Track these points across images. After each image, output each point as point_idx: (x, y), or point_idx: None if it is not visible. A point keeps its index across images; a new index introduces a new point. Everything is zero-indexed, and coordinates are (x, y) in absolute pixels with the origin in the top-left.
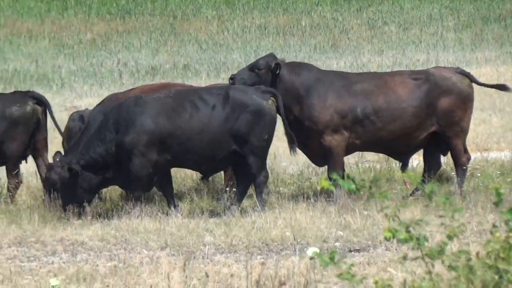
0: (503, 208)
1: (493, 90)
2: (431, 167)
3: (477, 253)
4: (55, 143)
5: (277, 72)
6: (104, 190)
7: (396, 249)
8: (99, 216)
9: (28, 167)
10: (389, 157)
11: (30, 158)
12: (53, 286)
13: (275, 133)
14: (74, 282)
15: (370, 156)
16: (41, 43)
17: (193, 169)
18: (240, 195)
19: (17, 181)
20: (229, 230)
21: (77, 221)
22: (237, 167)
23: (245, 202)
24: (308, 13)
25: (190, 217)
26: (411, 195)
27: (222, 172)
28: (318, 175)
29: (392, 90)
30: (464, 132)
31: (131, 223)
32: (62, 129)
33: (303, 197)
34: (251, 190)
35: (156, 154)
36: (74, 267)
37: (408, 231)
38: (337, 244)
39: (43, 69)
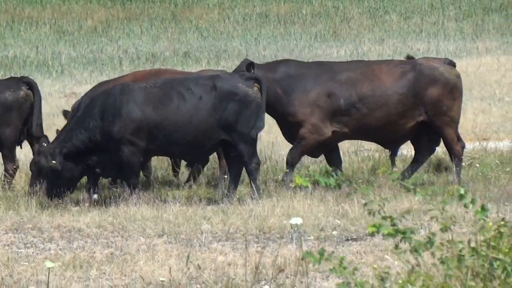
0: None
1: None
2: (422, 155)
3: (469, 241)
4: (53, 130)
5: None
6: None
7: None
8: (96, 203)
9: (26, 153)
10: (379, 145)
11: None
12: (49, 267)
13: (273, 121)
14: (71, 269)
15: (369, 145)
16: (42, 30)
17: (178, 158)
18: (234, 182)
19: (14, 166)
20: (227, 218)
21: (74, 208)
22: (228, 154)
23: (243, 190)
24: (309, 1)
25: (188, 205)
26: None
27: (217, 160)
28: (316, 163)
29: (378, 78)
30: (454, 121)
31: (129, 210)
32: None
33: (301, 186)
34: (247, 178)
35: (145, 141)
36: (70, 253)
37: (393, 225)
38: (334, 232)
39: (43, 55)
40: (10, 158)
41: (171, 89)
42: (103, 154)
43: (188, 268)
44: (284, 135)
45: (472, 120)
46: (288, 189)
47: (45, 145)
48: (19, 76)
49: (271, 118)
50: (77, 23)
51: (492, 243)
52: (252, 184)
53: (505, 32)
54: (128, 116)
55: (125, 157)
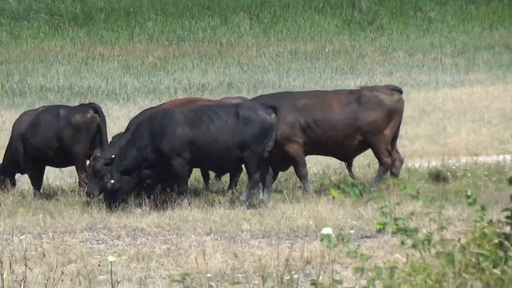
0: (479, 206)
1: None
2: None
3: (459, 240)
4: None
5: None
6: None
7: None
8: (156, 207)
9: None
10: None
11: None
12: (111, 261)
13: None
14: (134, 261)
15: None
16: (111, 65)
17: (209, 170)
18: (266, 188)
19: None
20: (263, 219)
21: (138, 211)
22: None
23: (276, 197)
24: (331, 40)
25: (231, 208)
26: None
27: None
28: (337, 174)
29: (329, 105)
30: (386, 138)
31: (182, 213)
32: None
33: (324, 192)
34: (281, 186)
35: (189, 153)
36: (134, 249)
37: (396, 224)
38: (351, 231)
39: (112, 86)
40: (82, 169)
41: (203, 114)
42: (152, 168)
43: (231, 260)
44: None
45: (465, 139)
46: (312, 196)
47: (99, 154)
48: (88, 102)
49: None
50: (140, 59)
51: (477, 242)
52: (247, 189)
53: (492, 66)
54: (173, 135)
55: (174, 168)
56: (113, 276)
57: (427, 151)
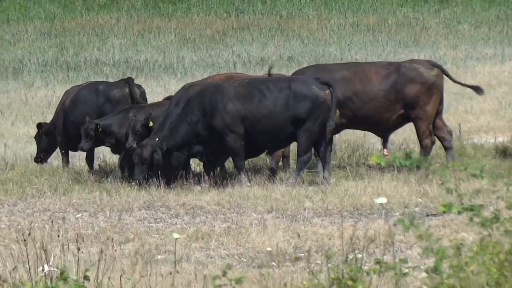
0: None
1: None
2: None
3: None
4: None
5: None
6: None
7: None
8: (215, 184)
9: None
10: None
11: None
12: (176, 238)
13: None
14: (194, 240)
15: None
16: (168, 38)
17: (261, 146)
18: (327, 165)
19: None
20: (325, 197)
21: (197, 188)
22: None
23: (339, 173)
24: (394, 13)
25: (293, 186)
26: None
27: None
28: (401, 150)
29: (367, 77)
30: (428, 116)
31: (242, 190)
32: None
33: (388, 169)
34: (345, 163)
35: (243, 128)
36: (193, 227)
37: (462, 202)
38: (416, 209)
39: (169, 59)
40: None
41: (254, 88)
42: (203, 143)
43: (293, 239)
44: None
45: None
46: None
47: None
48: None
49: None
50: (198, 32)
51: None
52: (295, 172)
53: None
54: (225, 110)
55: (229, 144)
56: (172, 256)
57: (493, 126)
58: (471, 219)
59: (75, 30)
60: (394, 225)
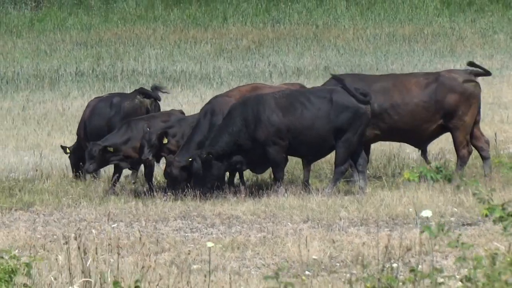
0: None
1: None
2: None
3: None
4: None
5: None
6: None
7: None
8: (251, 194)
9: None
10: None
11: None
12: (209, 247)
13: None
14: (229, 250)
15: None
16: (204, 48)
17: (302, 157)
18: (363, 174)
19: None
20: (361, 207)
21: (232, 198)
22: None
23: (375, 183)
24: (430, 23)
25: (328, 195)
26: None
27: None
28: (437, 160)
29: (406, 88)
30: (466, 126)
31: (278, 200)
32: None
33: (424, 179)
34: (380, 173)
35: (285, 140)
36: (229, 237)
37: (503, 209)
38: (452, 219)
39: (205, 69)
40: None
41: (295, 99)
42: (244, 153)
43: (329, 249)
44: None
45: None
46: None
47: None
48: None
49: None
50: (234, 42)
51: None
52: (332, 182)
53: None
54: (269, 121)
55: (271, 155)
56: (207, 265)
57: None
58: (505, 229)
59: (111, 40)
60: (422, 232)
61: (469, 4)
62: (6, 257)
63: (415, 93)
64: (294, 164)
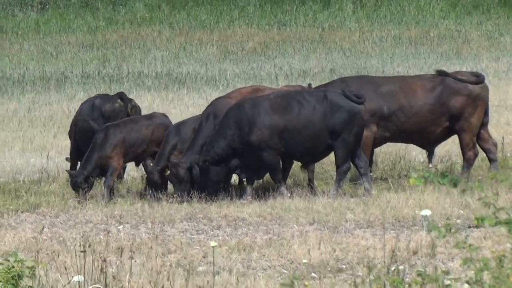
0: None
1: None
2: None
3: None
4: None
5: None
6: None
7: None
8: (257, 196)
9: None
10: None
11: None
12: (213, 246)
13: None
14: (236, 252)
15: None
16: (210, 50)
17: (297, 160)
18: (367, 177)
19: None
20: (367, 209)
21: (238, 200)
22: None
23: (382, 185)
24: (436, 25)
25: (334, 197)
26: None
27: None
28: (443, 162)
29: (413, 90)
30: (472, 128)
31: (284, 202)
32: None
33: (430, 181)
34: (387, 175)
35: (279, 143)
36: (235, 239)
37: (496, 216)
38: (458, 221)
39: (211, 72)
40: None
41: (291, 99)
42: (241, 158)
43: (335, 251)
44: None
45: None
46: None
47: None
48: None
49: None
50: (240, 44)
51: None
52: (335, 184)
53: None
54: (263, 124)
55: (265, 159)
56: (213, 267)
57: None
58: (509, 231)
59: (117, 42)
60: (429, 231)
61: (476, 7)
62: (12, 260)
63: (421, 95)
64: (299, 166)
